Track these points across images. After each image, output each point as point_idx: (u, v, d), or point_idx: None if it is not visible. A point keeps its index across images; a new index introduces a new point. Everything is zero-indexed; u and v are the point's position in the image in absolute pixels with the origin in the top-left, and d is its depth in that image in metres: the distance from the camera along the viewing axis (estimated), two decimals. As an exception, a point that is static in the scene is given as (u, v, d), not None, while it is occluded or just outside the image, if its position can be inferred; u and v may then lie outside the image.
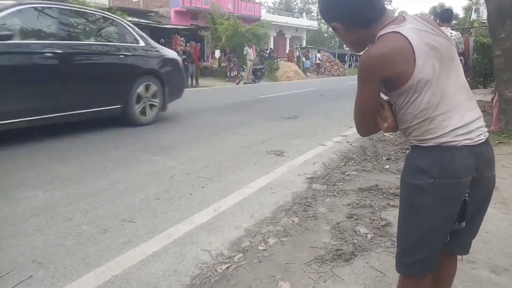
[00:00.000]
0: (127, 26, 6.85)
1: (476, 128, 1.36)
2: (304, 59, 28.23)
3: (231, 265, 2.35)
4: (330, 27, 1.56)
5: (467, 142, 1.32)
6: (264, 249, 2.54)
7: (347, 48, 34.74)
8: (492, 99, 6.51)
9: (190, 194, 3.58)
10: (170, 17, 24.01)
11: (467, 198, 1.40)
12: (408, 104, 1.36)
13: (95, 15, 6.40)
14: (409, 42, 1.31)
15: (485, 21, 8.56)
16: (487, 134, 1.41)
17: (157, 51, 7.13)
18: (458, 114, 1.33)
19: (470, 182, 1.36)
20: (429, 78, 1.31)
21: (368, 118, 1.46)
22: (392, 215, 3.02)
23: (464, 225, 1.45)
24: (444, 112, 1.32)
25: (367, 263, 2.37)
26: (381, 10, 1.42)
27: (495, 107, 6.26)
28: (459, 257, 1.67)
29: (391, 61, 1.32)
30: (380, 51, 1.33)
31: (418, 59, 1.31)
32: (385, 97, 1.46)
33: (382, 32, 1.36)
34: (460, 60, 1.69)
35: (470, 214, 1.44)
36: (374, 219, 2.96)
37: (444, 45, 1.38)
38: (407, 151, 1.48)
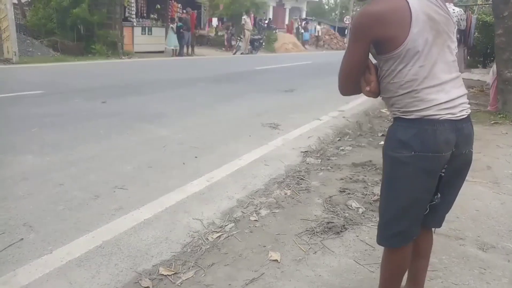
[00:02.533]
0: None
1: (460, 103, 1.36)
2: (303, 31, 27.69)
3: (222, 234, 2.37)
4: None
5: (449, 116, 1.32)
6: (256, 220, 2.56)
7: (348, 22, 34.06)
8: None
9: (183, 163, 3.55)
10: (166, -19, 23.20)
11: (443, 174, 1.41)
12: (394, 73, 1.34)
13: None
14: (409, 6, 1.27)
15: (489, -2, 8.38)
16: (469, 110, 1.41)
17: None
18: (444, 90, 1.32)
19: (449, 157, 1.37)
20: (419, 49, 1.28)
21: (353, 78, 1.44)
22: (384, 191, 3.03)
23: (439, 198, 1.48)
24: (430, 86, 1.31)
25: (357, 236, 2.40)
26: None
27: (492, 87, 6.23)
28: (438, 230, 1.69)
29: (386, 22, 1.28)
30: (376, 9, 1.29)
31: (413, 27, 1.27)
32: (373, 61, 1.43)
33: None
34: (456, 38, 1.66)
35: (445, 188, 1.46)
36: (366, 194, 2.97)
37: (443, 19, 1.33)
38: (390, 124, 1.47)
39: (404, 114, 1.36)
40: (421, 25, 1.28)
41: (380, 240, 1.54)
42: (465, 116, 1.37)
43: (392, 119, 1.47)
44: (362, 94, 1.52)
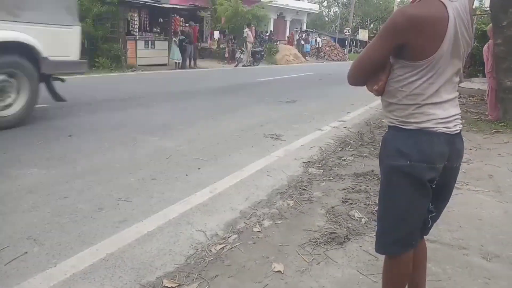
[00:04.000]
0: None
1: (454, 119, 1.40)
2: (303, 42, 27.92)
3: (225, 245, 2.37)
4: None
5: (445, 130, 1.37)
6: (259, 231, 2.56)
7: (348, 33, 34.21)
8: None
9: (187, 175, 3.57)
10: (169, -4, 23.54)
11: (433, 186, 1.43)
12: (405, 82, 1.35)
13: None
14: (448, 20, 1.25)
15: (488, 8, 8.45)
16: (462, 126, 1.46)
17: None
18: (443, 107, 1.37)
19: (441, 169, 1.40)
20: (436, 67, 1.30)
21: (366, 73, 1.43)
22: (387, 201, 3.03)
23: (433, 209, 1.51)
24: (433, 103, 1.35)
25: (361, 246, 2.40)
26: None
27: (488, 95, 6.25)
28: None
29: (423, 30, 1.25)
30: (418, 13, 1.26)
31: (444, 44, 1.27)
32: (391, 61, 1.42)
33: None
34: None
35: (435, 200, 1.49)
36: (368, 204, 2.98)
37: (465, 43, 1.34)
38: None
39: (402, 124, 1.39)
40: (448, 45, 1.27)
41: (379, 248, 1.56)
42: (458, 131, 1.42)
43: (387, 126, 1.49)
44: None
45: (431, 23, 1.26)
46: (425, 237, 1.68)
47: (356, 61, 1.44)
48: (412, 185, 1.38)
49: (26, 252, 2.24)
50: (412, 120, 1.36)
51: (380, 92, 1.44)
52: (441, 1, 1.27)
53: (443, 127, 1.36)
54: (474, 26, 9.32)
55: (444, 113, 1.36)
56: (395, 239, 1.47)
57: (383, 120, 6.03)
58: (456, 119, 1.40)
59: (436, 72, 1.31)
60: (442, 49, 1.27)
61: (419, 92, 1.33)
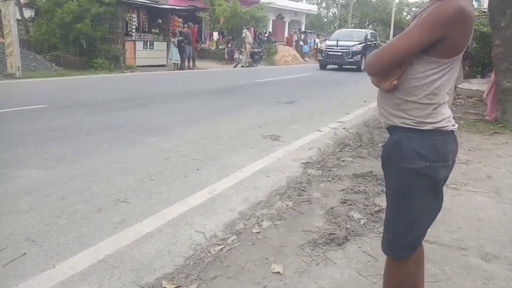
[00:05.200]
0: None
1: (451, 116, 1.44)
2: (302, 43, 27.93)
3: (224, 247, 2.37)
4: None
5: (451, 127, 1.40)
6: (258, 232, 2.56)
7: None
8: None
9: (185, 176, 3.57)
10: (167, -4, 23.53)
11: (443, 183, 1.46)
12: (426, 79, 1.33)
13: None
14: (473, 20, 1.27)
15: (486, 10, 8.47)
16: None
17: None
18: (446, 107, 1.41)
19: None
20: (455, 69, 1.33)
21: (390, 63, 1.34)
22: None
23: None
24: (443, 103, 1.39)
25: (360, 247, 2.40)
26: None
27: (488, 96, 6.26)
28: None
29: (465, 25, 1.24)
30: (466, 6, 1.24)
31: (469, 40, 1.30)
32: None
33: None
34: None
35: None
36: (367, 205, 2.98)
37: (468, 41, 1.35)
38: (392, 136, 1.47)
39: (419, 125, 1.37)
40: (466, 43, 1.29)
41: (391, 252, 1.53)
42: (457, 127, 1.46)
43: (389, 128, 1.47)
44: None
45: (472, 20, 1.27)
46: (424, 237, 1.68)
47: (385, 50, 1.36)
48: (428, 187, 1.39)
49: (25, 253, 2.23)
50: (429, 121, 1.36)
51: (394, 87, 1.37)
52: None
53: (450, 125, 1.40)
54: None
55: (448, 112, 1.41)
56: (408, 243, 1.46)
57: (382, 121, 6.03)
58: (451, 115, 1.45)
59: (453, 72, 1.34)
60: (464, 49, 1.30)
61: (437, 92, 1.34)
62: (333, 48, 16.84)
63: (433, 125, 1.36)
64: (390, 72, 1.36)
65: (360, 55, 16.40)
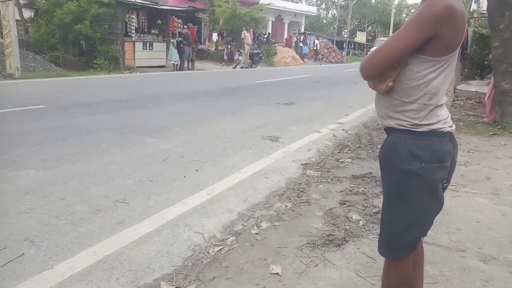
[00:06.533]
0: None
1: (450, 118, 1.44)
2: (301, 44, 27.97)
3: (223, 247, 2.37)
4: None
5: (448, 129, 1.41)
6: (257, 233, 2.56)
7: (346, 36, 34.29)
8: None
9: (184, 177, 3.57)
10: (167, -3, 23.54)
11: (445, 183, 1.47)
12: (422, 79, 1.32)
13: None
14: (463, 17, 1.28)
15: (485, 11, 8.50)
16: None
17: None
18: (444, 109, 1.41)
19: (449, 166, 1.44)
20: (450, 68, 1.33)
21: (386, 65, 1.35)
22: (385, 203, 3.04)
23: None
24: (441, 104, 1.38)
25: (358, 249, 2.40)
26: None
27: (489, 98, 6.27)
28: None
29: (457, 22, 1.26)
30: (454, 4, 1.25)
31: (461, 42, 1.30)
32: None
33: None
34: None
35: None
36: (366, 206, 2.98)
37: (461, 38, 1.35)
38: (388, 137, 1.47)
39: (415, 127, 1.37)
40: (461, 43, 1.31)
41: (387, 253, 1.53)
42: (454, 128, 1.46)
43: (386, 129, 1.47)
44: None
45: (463, 17, 1.27)
46: (423, 239, 1.68)
47: (378, 52, 1.35)
48: (426, 188, 1.39)
49: (23, 254, 2.22)
50: (425, 122, 1.36)
51: (390, 89, 1.37)
52: None
53: (447, 126, 1.40)
54: (471, 29, 9.37)
55: (445, 113, 1.41)
56: (405, 243, 1.47)
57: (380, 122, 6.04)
58: (449, 116, 1.45)
59: (449, 71, 1.33)
60: (458, 47, 1.30)
61: (435, 91, 1.34)
62: None
63: (428, 126, 1.36)
64: (385, 75, 1.36)
65: None
